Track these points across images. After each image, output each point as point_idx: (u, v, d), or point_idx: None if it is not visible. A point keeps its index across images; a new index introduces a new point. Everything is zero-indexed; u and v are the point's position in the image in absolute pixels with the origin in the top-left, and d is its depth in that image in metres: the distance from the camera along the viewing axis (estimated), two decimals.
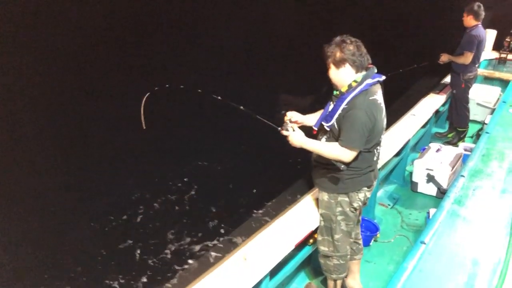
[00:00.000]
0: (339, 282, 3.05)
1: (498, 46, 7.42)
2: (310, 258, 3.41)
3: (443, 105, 5.97)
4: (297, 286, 3.40)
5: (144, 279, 4.30)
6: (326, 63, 2.57)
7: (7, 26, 10.34)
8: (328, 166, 2.65)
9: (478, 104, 6.24)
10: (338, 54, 2.50)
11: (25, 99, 8.58)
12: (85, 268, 4.43)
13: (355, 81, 2.52)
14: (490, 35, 7.46)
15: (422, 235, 2.71)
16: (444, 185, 4.45)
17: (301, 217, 3.02)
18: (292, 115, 2.75)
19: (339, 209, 2.77)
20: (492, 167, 3.52)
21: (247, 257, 2.58)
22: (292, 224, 2.94)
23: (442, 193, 4.38)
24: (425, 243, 2.60)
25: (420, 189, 4.69)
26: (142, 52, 10.70)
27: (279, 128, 2.58)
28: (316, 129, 2.73)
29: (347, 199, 2.75)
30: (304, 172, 5.87)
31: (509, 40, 7.11)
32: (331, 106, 2.64)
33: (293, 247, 2.81)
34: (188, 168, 6.40)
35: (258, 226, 2.93)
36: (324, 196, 2.81)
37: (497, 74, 6.97)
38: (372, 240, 3.85)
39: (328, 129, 2.61)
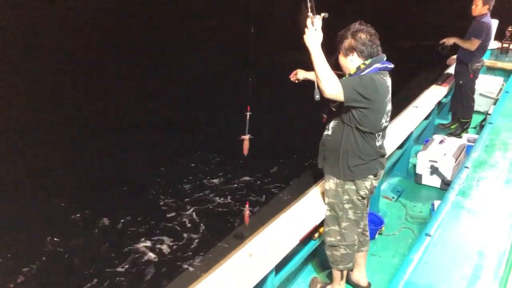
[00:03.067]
0: (345, 273, 3.05)
1: (500, 36, 7.38)
2: (315, 252, 3.41)
3: (446, 96, 5.95)
4: (302, 280, 3.41)
5: (150, 276, 4.32)
6: (338, 47, 2.58)
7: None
8: (336, 152, 2.69)
9: (481, 94, 6.21)
10: (348, 42, 2.52)
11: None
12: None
13: (363, 63, 2.53)
14: (493, 24, 7.42)
15: (427, 227, 2.71)
16: (448, 176, 4.44)
17: (305, 211, 3.02)
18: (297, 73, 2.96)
19: (346, 197, 2.78)
20: (495, 158, 3.51)
21: (252, 253, 2.58)
22: (296, 219, 2.95)
23: (446, 184, 4.37)
24: (430, 235, 2.60)
25: (424, 181, 4.68)
26: None
27: (310, 14, 2.31)
28: (325, 116, 2.75)
29: (354, 187, 2.75)
30: (308, 167, 5.89)
31: (511, 29, 7.06)
32: None
33: (298, 242, 2.82)
34: (188, 165, 6.42)
35: (263, 222, 2.92)
36: (331, 184, 2.81)
37: (499, 64, 6.94)
38: (377, 233, 3.86)
39: (334, 109, 2.62)
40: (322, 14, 2.34)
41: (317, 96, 2.40)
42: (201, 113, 8.63)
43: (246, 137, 2.75)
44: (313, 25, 2.29)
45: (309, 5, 2.29)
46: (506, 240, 2.54)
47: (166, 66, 11.26)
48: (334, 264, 3.00)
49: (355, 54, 2.53)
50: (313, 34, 2.30)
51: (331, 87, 2.36)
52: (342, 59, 2.59)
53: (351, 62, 2.57)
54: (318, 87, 2.38)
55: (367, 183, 2.76)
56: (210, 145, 7.12)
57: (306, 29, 2.30)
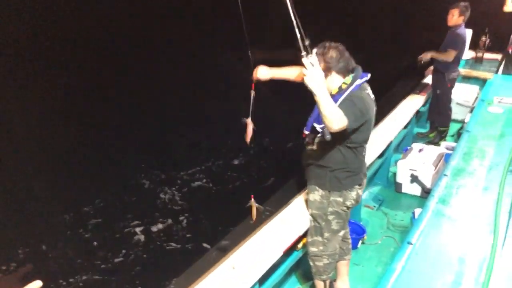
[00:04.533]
0: (328, 283, 3.06)
1: (474, 45, 7.55)
2: (299, 263, 3.40)
3: (424, 105, 6.05)
4: None
5: None
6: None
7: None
8: (323, 167, 2.70)
9: (457, 103, 6.33)
10: (322, 65, 2.41)
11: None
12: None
13: (344, 83, 2.55)
14: (467, 34, 7.60)
15: (408, 236, 2.73)
16: (428, 184, 4.50)
17: (288, 222, 3.02)
18: (259, 75, 2.75)
19: (331, 209, 2.80)
20: (473, 165, 3.57)
21: (235, 266, 2.56)
22: (279, 230, 2.94)
23: (426, 192, 4.43)
24: (412, 244, 2.62)
25: (404, 189, 4.73)
26: None
27: (304, 53, 2.11)
28: (307, 133, 2.73)
29: (339, 198, 2.77)
30: (290, 178, 5.89)
31: (484, 39, 7.23)
32: None
33: (281, 253, 2.80)
34: (170, 178, 6.37)
35: (246, 234, 2.90)
36: (316, 196, 2.81)
37: (474, 73, 7.08)
38: (360, 243, 3.87)
39: (320, 130, 2.60)
40: (314, 50, 2.28)
41: (328, 136, 2.44)
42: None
43: (250, 121, 2.61)
44: (313, 65, 2.13)
45: (307, 43, 2.11)
46: (486, 246, 2.57)
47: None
48: (317, 275, 3.00)
49: (333, 73, 2.53)
50: (315, 75, 2.14)
51: (338, 123, 2.29)
52: None
53: (332, 82, 2.56)
54: (325, 125, 2.34)
55: (353, 193, 2.79)
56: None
57: (305, 71, 2.13)
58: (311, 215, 2.89)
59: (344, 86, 2.55)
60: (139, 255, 4.70)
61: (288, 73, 2.85)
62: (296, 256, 3.16)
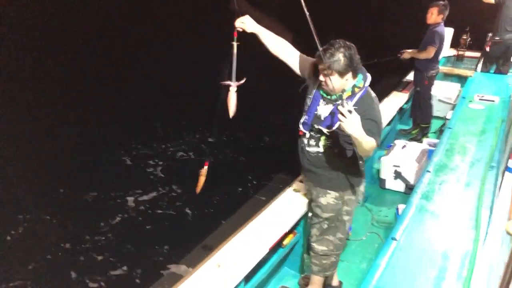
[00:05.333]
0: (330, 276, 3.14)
1: (455, 44, 7.66)
2: (285, 259, 3.41)
3: (406, 102, 6.11)
4: None
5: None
6: (326, 70, 2.41)
7: None
8: (334, 169, 2.68)
9: (439, 100, 6.41)
10: (345, 62, 2.38)
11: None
12: None
13: (358, 87, 2.51)
14: (448, 33, 7.69)
15: (392, 232, 2.75)
16: (411, 181, 4.54)
17: (273, 219, 3.01)
18: (244, 22, 2.49)
19: (345, 208, 2.81)
20: (455, 161, 3.62)
21: (220, 264, 2.55)
22: (265, 227, 2.93)
23: (409, 188, 4.47)
24: (396, 240, 2.65)
25: (388, 185, 4.77)
26: None
27: (339, 103, 2.19)
28: (305, 131, 2.66)
29: (353, 196, 2.80)
30: (274, 175, 5.91)
31: (465, 38, 7.34)
32: (325, 108, 2.58)
33: (267, 250, 2.80)
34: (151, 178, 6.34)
35: (231, 232, 2.89)
36: (329, 199, 2.76)
37: (456, 71, 7.20)
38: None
39: (328, 133, 2.57)
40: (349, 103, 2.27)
41: (361, 162, 2.56)
42: None
43: (234, 84, 2.37)
44: (350, 112, 2.14)
45: (345, 102, 2.19)
46: (468, 241, 2.61)
47: None
48: (322, 272, 3.00)
49: (350, 73, 2.46)
50: (354, 121, 2.17)
51: (373, 150, 2.43)
52: (337, 80, 2.44)
53: (346, 82, 2.49)
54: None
55: (362, 187, 2.86)
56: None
57: (343, 118, 2.15)
58: (327, 218, 2.82)
59: (357, 90, 2.51)
60: (124, 259, 4.66)
61: (280, 44, 2.69)
62: (282, 253, 3.17)
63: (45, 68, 9.90)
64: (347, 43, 2.45)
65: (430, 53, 5.29)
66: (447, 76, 7.18)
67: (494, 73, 6.75)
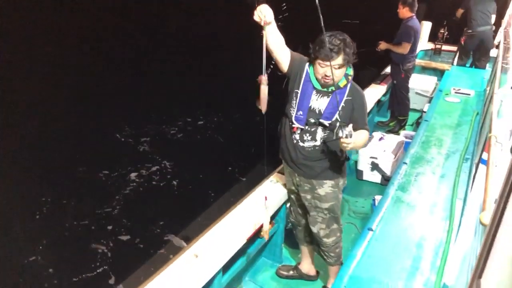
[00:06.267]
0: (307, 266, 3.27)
1: (433, 37, 7.77)
2: (262, 250, 3.42)
3: (384, 95, 6.17)
4: (250, 279, 3.41)
5: (91, 283, 4.15)
6: (334, 60, 2.38)
7: None
8: (330, 157, 2.69)
9: (416, 93, 6.50)
10: (351, 53, 2.42)
11: None
12: None
13: (350, 75, 2.55)
14: (426, 27, 7.79)
15: (369, 222, 2.79)
16: (388, 172, 4.60)
17: (251, 210, 3.01)
18: (265, 12, 2.27)
19: (340, 195, 2.85)
20: (431, 154, 3.68)
21: (198, 254, 2.54)
22: (243, 217, 2.93)
23: (386, 180, 4.53)
24: (372, 230, 2.68)
25: (365, 177, 4.82)
26: None
27: (341, 135, 2.32)
28: (302, 126, 2.62)
29: (343, 180, 2.83)
30: (254, 165, 5.90)
31: (443, 31, 7.45)
32: (320, 101, 2.56)
33: (245, 240, 2.80)
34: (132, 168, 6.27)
35: (209, 222, 2.88)
36: (326, 189, 2.76)
37: (433, 64, 7.30)
38: None
39: (327, 125, 2.57)
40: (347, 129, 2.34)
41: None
42: None
43: (265, 79, 2.28)
44: (350, 137, 2.30)
45: (343, 130, 2.30)
46: (442, 232, 2.67)
47: None
48: (338, 261, 3.05)
49: (350, 64, 2.51)
50: (354, 141, 2.35)
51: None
52: (341, 71, 2.47)
53: (342, 75, 2.51)
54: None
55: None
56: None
57: (347, 145, 2.32)
58: (327, 209, 2.82)
59: (349, 78, 2.55)
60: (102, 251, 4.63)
61: (281, 40, 2.52)
62: (259, 243, 3.17)
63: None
64: (344, 34, 2.44)
65: (405, 49, 5.36)
66: (425, 69, 7.28)
67: (470, 66, 6.88)
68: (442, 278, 2.25)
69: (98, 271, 4.27)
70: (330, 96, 2.54)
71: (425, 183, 3.24)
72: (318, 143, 2.64)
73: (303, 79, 2.58)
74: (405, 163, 3.51)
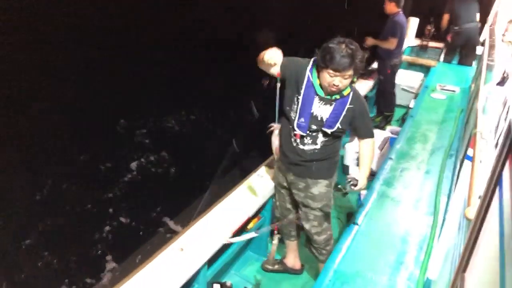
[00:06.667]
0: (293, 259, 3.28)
1: (420, 33, 7.81)
2: (249, 243, 3.42)
3: (371, 90, 6.20)
4: (235, 272, 3.41)
5: (75, 276, 4.13)
6: (345, 71, 2.33)
7: None
8: (327, 158, 2.69)
9: (402, 89, 6.53)
10: (361, 63, 2.36)
11: None
12: None
13: (353, 81, 2.50)
14: (413, 23, 7.83)
15: (354, 217, 2.81)
16: (374, 167, 4.62)
17: (237, 204, 3.00)
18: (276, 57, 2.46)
19: (332, 192, 2.85)
20: (416, 149, 3.72)
21: (183, 248, 2.53)
22: (229, 212, 2.92)
23: (372, 175, 4.54)
24: (357, 224, 2.70)
25: (351, 171, 4.84)
26: None
27: (353, 187, 2.64)
28: (304, 134, 2.58)
29: (335, 178, 2.85)
30: (241, 160, 5.90)
31: (430, 28, 7.49)
32: (323, 109, 2.52)
33: (230, 234, 2.80)
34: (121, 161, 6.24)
35: (195, 216, 2.87)
36: (321, 188, 2.75)
37: (419, 61, 7.34)
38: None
39: (329, 132, 2.55)
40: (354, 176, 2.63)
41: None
42: None
43: (276, 126, 2.59)
44: (356, 183, 2.62)
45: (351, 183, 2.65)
46: (426, 227, 2.70)
47: None
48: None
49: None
50: (363, 182, 2.64)
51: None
52: (347, 81, 2.42)
53: (350, 81, 2.48)
54: None
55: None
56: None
57: (355, 187, 2.62)
58: (320, 208, 2.80)
59: (353, 86, 2.53)
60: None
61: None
62: None
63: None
64: (353, 42, 2.38)
65: (392, 43, 5.36)
66: (411, 65, 7.32)
67: (457, 64, 6.94)
68: (425, 273, 2.28)
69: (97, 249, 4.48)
70: (333, 104, 2.49)
71: (410, 178, 3.26)
72: (318, 146, 2.63)
73: (304, 84, 2.50)
74: (391, 159, 3.53)
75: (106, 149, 6.33)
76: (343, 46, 2.30)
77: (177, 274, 2.36)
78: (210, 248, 2.62)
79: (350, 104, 2.51)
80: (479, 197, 1.46)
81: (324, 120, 2.52)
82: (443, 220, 2.65)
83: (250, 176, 3.34)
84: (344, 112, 2.50)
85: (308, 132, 2.57)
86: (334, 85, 2.37)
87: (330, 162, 2.72)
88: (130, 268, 2.43)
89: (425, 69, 6.96)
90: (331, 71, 2.33)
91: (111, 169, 5.91)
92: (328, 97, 2.48)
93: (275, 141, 2.62)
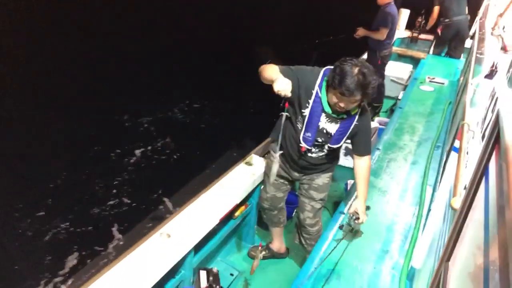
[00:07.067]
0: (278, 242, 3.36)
1: (410, 25, 7.84)
2: (235, 231, 3.43)
3: None
4: (221, 259, 3.42)
5: (63, 263, 4.10)
6: (353, 96, 2.24)
7: None
8: (332, 159, 2.77)
9: (392, 80, 6.56)
10: (371, 90, 2.28)
11: None
12: None
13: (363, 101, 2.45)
14: (404, 14, 7.85)
15: (341, 206, 2.83)
16: None
17: (225, 191, 3.00)
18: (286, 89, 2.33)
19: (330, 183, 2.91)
20: (404, 140, 3.74)
21: (170, 234, 2.53)
22: (216, 198, 2.92)
23: None
24: (344, 213, 2.72)
25: (339, 162, 4.85)
26: None
27: (357, 221, 2.54)
28: (309, 147, 2.57)
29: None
30: (229, 148, 5.90)
31: (420, 20, 7.52)
32: (330, 125, 2.49)
33: (218, 221, 2.80)
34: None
35: (182, 202, 2.86)
36: (325, 179, 2.82)
37: (409, 52, 7.38)
38: (294, 212, 3.95)
39: (335, 148, 2.59)
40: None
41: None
42: None
43: (277, 154, 2.52)
44: (360, 218, 2.50)
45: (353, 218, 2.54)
46: (412, 217, 2.73)
47: None
48: None
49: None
50: (365, 216, 2.53)
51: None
52: (355, 105, 2.36)
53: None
54: None
55: None
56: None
57: (358, 221, 2.51)
58: (322, 199, 2.86)
59: (361, 105, 2.47)
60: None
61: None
62: (232, 224, 3.18)
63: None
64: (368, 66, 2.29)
65: (382, 34, 5.37)
66: (401, 57, 7.35)
67: (445, 56, 6.98)
68: (410, 262, 2.31)
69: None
70: (340, 122, 2.46)
71: (397, 169, 3.29)
72: (325, 152, 2.64)
73: (312, 99, 2.43)
74: (378, 149, 3.56)
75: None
76: (356, 70, 2.20)
77: (164, 260, 2.36)
78: (197, 234, 2.62)
79: (356, 122, 2.47)
80: (465, 187, 1.48)
81: (331, 135, 2.51)
82: (428, 210, 2.69)
83: (238, 164, 3.34)
84: (350, 130, 2.50)
85: (313, 144, 2.57)
86: (340, 106, 2.33)
87: (333, 160, 2.80)
88: (115, 255, 2.42)
89: (415, 61, 7.00)
90: (338, 94, 2.27)
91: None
92: (335, 115, 2.44)
93: (274, 168, 2.55)
